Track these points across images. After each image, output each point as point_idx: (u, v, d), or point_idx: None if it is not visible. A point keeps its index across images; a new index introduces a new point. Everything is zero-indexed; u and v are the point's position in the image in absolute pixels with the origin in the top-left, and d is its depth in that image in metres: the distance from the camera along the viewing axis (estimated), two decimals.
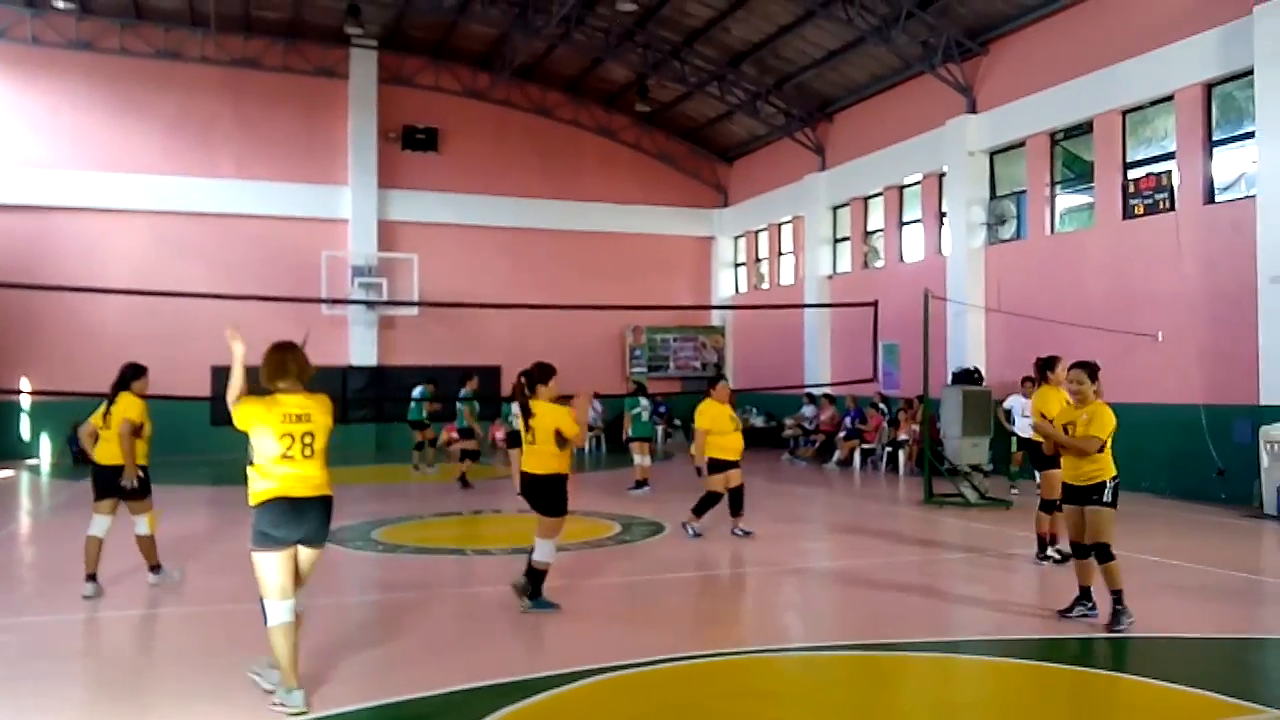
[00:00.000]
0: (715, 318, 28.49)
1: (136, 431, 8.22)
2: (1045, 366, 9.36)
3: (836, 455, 19.89)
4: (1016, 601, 8.23)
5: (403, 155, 25.31)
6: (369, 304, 23.54)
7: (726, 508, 11.42)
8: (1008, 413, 14.28)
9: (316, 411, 5.48)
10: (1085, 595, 7.26)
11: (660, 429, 25.58)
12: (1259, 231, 13.35)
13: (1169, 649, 6.83)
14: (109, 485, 8.23)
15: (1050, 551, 9.47)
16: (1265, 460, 12.59)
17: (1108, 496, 7.03)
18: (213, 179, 23.60)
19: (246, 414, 5.36)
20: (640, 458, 15.65)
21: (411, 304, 23.89)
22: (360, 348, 24.43)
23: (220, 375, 22.03)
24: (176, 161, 23.41)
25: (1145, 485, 14.37)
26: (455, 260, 25.24)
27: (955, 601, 8.51)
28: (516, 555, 10.19)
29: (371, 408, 24.13)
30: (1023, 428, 13.38)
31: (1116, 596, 6.98)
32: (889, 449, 18.87)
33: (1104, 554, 7.00)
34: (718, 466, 11.24)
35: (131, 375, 8.40)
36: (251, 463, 5.43)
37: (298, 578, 5.47)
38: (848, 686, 6.07)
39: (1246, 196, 13.89)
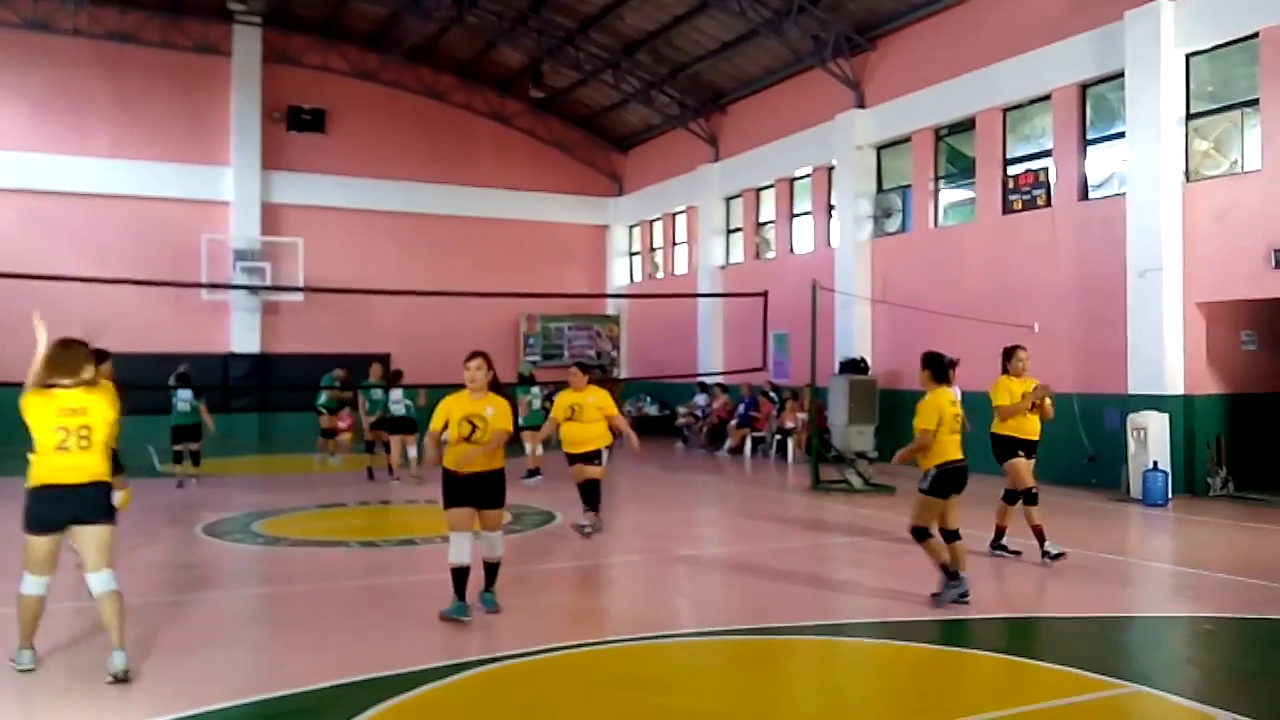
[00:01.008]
0: (610, 306, 28.48)
1: None
2: (1006, 357, 9.49)
3: (728, 443, 20.11)
4: (899, 586, 8.42)
5: (288, 136, 24.56)
6: (252, 289, 22.81)
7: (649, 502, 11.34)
8: None
9: (95, 406, 5.78)
10: (951, 575, 7.48)
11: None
12: (1128, 227, 13.94)
13: (1040, 628, 7.08)
14: None
15: (1004, 542, 9.34)
16: (1132, 447, 13.16)
17: (924, 484, 7.73)
18: (85, 157, 22.50)
19: (27, 406, 5.73)
20: (531, 446, 15.54)
21: (296, 289, 23.22)
22: (242, 334, 23.65)
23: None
24: (45, 139, 22.26)
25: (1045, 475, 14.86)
26: (343, 245, 24.63)
27: (840, 586, 8.67)
28: (404, 548, 10.02)
29: (255, 396, 23.38)
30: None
31: (943, 570, 7.45)
32: (778, 437, 19.15)
33: (917, 534, 7.71)
34: (569, 459, 10.64)
35: None
36: (32, 450, 5.70)
37: (92, 559, 5.75)
38: (733, 671, 6.11)
39: (1117, 194, 14.47)
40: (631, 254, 28.50)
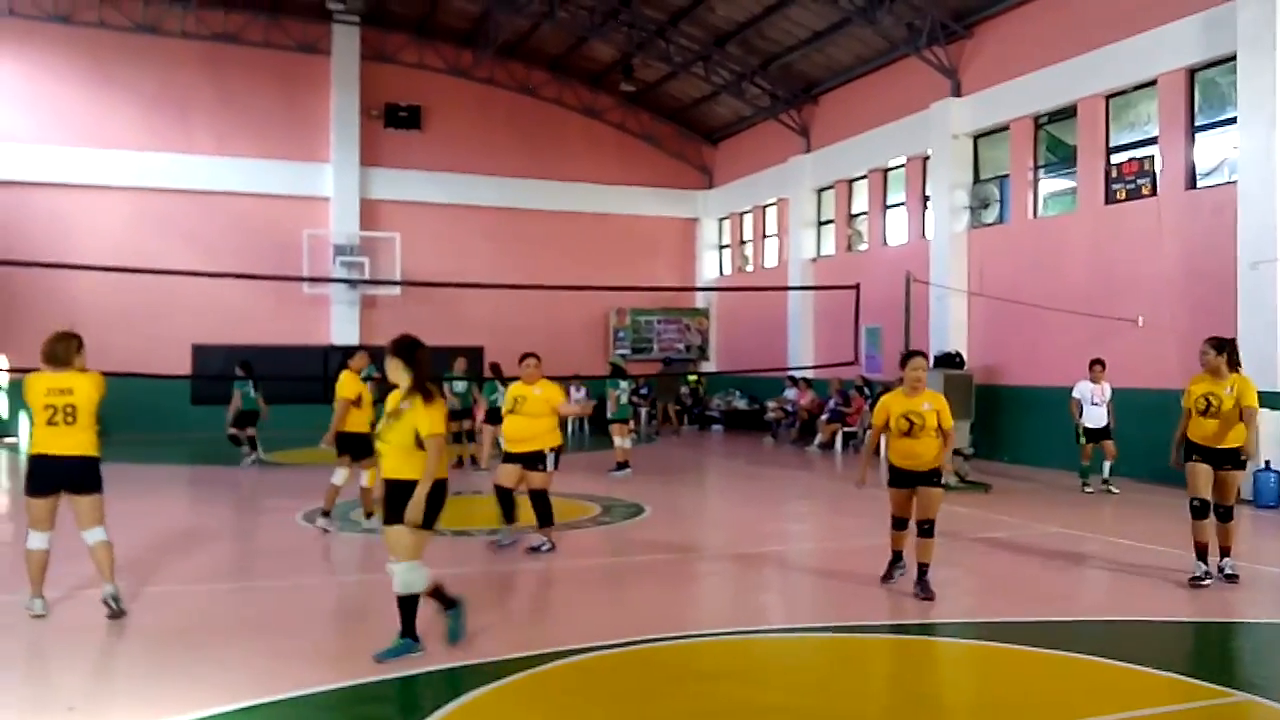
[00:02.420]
0: (699, 300, 28.45)
1: None
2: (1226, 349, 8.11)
3: (818, 438, 19.93)
4: (992, 585, 8.26)
5: (385, 133, 25.10)
6: (350, 283, 23.39)
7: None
8: (1076, 401, 13.52)
9: (81, 386, 6.63)
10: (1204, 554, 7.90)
11: (644, 411, 25.58)
12: (1239, 217, 13.38)
13: (1145, 633, 6.86)
14: None
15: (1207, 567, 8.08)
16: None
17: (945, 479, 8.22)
18: (192, 155, 23.36)
19: (26, 387, 6.67)
20: (620, 440, 15.66)
21: (394, 283, 23.75)
22: (342, 327, 24.29)
23: (200, 354, 22.13)
24: (155, 137, 23.17)
25: (1124, 470, 14.42)
26: (438, 239, 25.10)
27: (932, 584, 8.54)
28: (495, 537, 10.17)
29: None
30: (1091, 417, 13.34)
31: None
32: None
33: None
34: (505, 459, 9.44)
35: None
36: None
37: (83, 519, 6.68)
38: (823, 668, 6.07)
39: (1228, 182, 13.91)
40: (721, 247, 28.40)
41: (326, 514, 10.25)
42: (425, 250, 24.60)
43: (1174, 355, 14.13)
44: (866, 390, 19.62)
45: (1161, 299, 14.56)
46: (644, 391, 25.65)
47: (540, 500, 9.15)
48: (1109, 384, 13.52)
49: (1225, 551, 8.15)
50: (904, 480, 7.55)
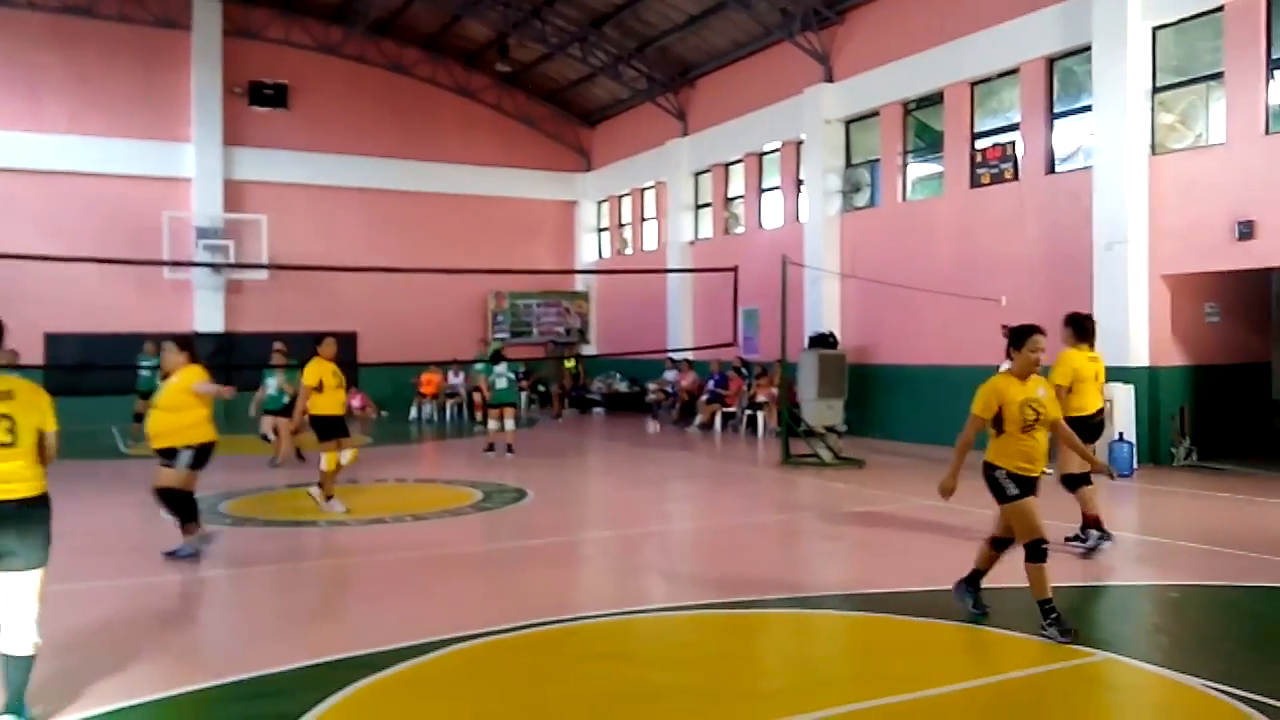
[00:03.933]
0: (579, 283, 28.37)
1: None
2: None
3: (698, 419, 20.14)
4: (869, 558, 8.48)
5: (250, 111, 24.19)
6: (215, 267, 22.51)
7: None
8: None
9: (20, 392, 4.60)
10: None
11: (524, 394, 25.44)
12: (1095, 200, 14.04)
13: (1012, 599, 7.14)
14: None
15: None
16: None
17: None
18: (42, 134, 22.04)
19: None
20: (497, 423, 15.61)
21: (261, 267, 22.93)
22: (206, 313, 23.34)
23: (53, 343, 20.97)
24: (0, 115, 21.81)
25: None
26: (308, 222, 24.33)
27: (811, 558, 8.73)
28: (373, 527, 9.96)
29: (219, 376, 23.02)
30: None
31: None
32: (749, 412, 19.21)
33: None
34: (324, 429, 10.41)
35: None
36: None
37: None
38: (709, 645, 6.12)
39: (1084, 167, 14.56)
40: (600, 230, 28.37)
41: (330, 497, 10.50)
42: (294, 233, 23.83)
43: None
44: (744, 371, 19.91)
45: (1023, 279, 15.18)
46: (525, 376, 25.52)
47: (171, 499, 8.17)
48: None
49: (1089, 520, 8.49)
50: (1030, 487, 5.99)
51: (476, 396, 20.85)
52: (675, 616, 6.63)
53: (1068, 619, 5.73)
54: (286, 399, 14.70)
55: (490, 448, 15.77)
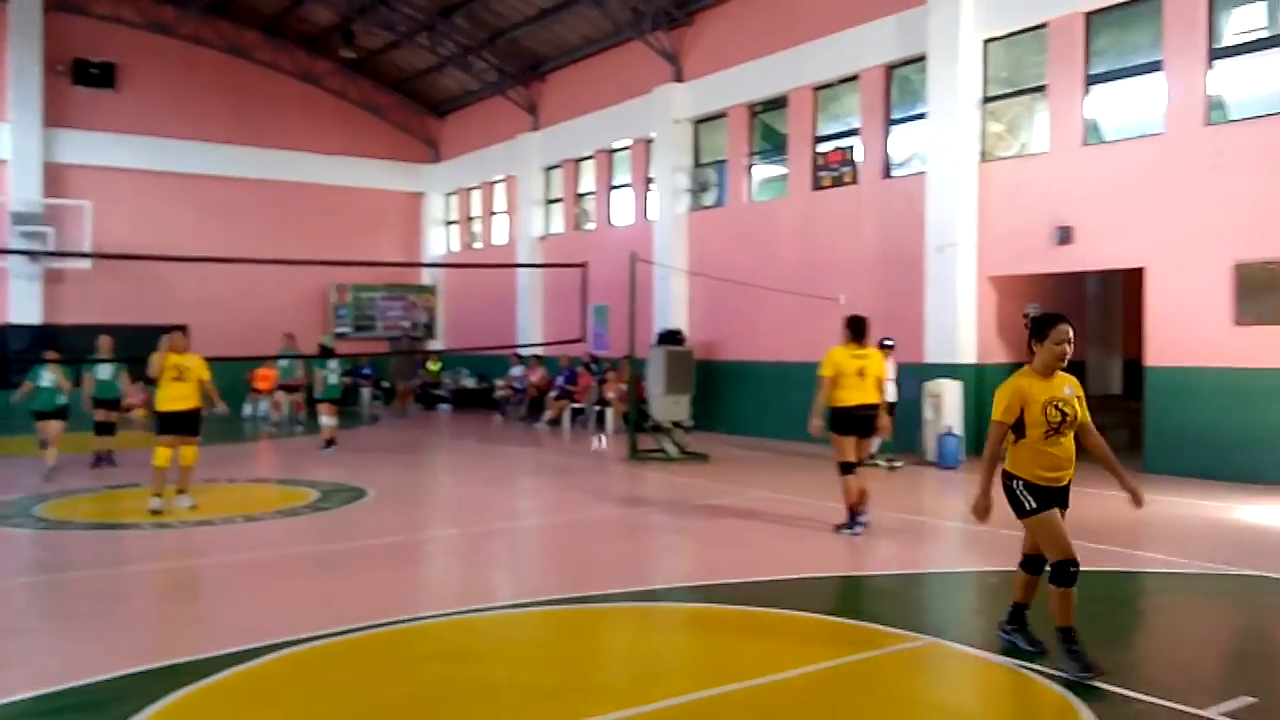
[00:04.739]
0: (426, 276, 27.87)
1: None
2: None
3: (547, 415, 20.07)
4: (712, 550, 8.60)
5: (74, 91, 22.81)
6: (31, 255, 21.09)
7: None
8: None
9: None
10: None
11: (367, 391, 24.86)
12: (928, 204, 14.65)
13: (845, 587, 7.37)
14: None
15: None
16: (928, 413, 13.89)
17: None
18: None
19: None
20: (327, 419, 15.35)
21: (83, 255, 21.63)
22: (21, 304, 21.88)
23: None
24: None
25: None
26: (136, 209, 23.09)
27: (656, 552, 8.80)
28: (202, 528, 9.50)
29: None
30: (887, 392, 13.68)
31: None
32: (598, 408, 19.26)
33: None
34: (164, 424, 10.18)
35: None
36: None
37: None
38: (549, 642, 6.08)
39: (918, 172, 15.17)
40: (449, 223, 27.93)
41: (158, 494, 9.98)
42: (121, 220, 22.57)
43: (873, 331, 15.24)
44: (594, 367, 19.95)
45: (861, 279, 15.71)
46: (367, 372, 24.91)
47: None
48: (894, 362, 14.06)
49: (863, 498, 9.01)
50: (1054, 499, 5.20)
51: (298, 395, 20.33)
52: (519, 614, 6.56)
53: (1088, 653, 4.99)
54: (119, 390, 13.93)
55: (328, 444, 15.40)
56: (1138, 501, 5.31)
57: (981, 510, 5.31)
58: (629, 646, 6.10)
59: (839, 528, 8.90)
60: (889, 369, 13.40)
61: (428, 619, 6.32)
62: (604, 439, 13.42)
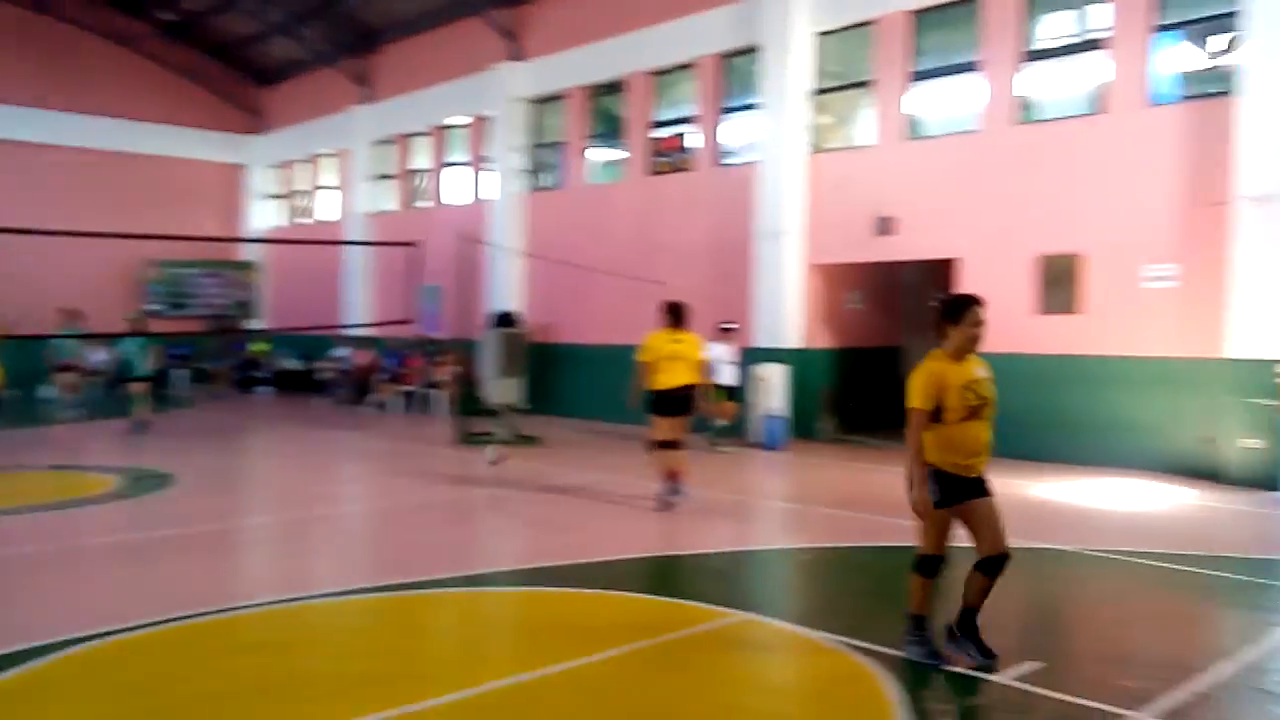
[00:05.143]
0: (247, 252, 26.65)
1: None
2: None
3: (374, 397, 19.55)
4: (541, 533, 8.55)
5: None
6: None
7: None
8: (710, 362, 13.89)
9: None
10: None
11: (180, 372, 23.65)
12: (758, 193, 14.96)
13: (666, 567, 7.45)
14: None
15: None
16: (755, 396, 14.20)
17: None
18: None
19: None
20: (138, 401, 14.53)
21: None
22: None
23: None
24: None
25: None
26: None
27: (484, 536, 8.69)
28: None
29: None
30: (724, 376, 13.45)
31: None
32: (429, 391, 18.88)
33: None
34: None
35: None
36: None
37: None
38: (371, 630, 5.90)
39: (750, 162, 15.46)
40: (273, 197, 26.79)
41: None
42: None
43: (702, 316, 15.47)
44: (427, 349, 19.53)
45: (694, 264, 15.92)
46: (181, 352, 23.68)
47: None
48: (737, 346, 14.04)
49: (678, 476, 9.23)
50: (963, 491, 4.90)
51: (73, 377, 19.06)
52: (339, 603, 6.34)
53: (937, 642, 4.92)
54: None
55: (138, 427, 14.56)
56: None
57: (922, 504, 4.86)
58: (451, 632, 5.98)
59: (659, 498, 9.06)
60: (731, 353, 13.72)
61: (242, 609, 6.02)
62: (493, 450, 12.29)
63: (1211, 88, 11.44)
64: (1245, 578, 7.06)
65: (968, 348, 4.96)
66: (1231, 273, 10.84)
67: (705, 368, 13.19)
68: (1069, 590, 6.92)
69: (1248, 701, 4.40)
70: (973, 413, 4.86)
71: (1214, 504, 9.62)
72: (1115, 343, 11.86)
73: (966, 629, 4.94)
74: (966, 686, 4.74)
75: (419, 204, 22.07)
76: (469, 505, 10.00)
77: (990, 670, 4.78)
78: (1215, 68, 11.54)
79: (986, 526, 4.86)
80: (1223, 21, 11.27)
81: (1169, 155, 11.53)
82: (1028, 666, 4.91)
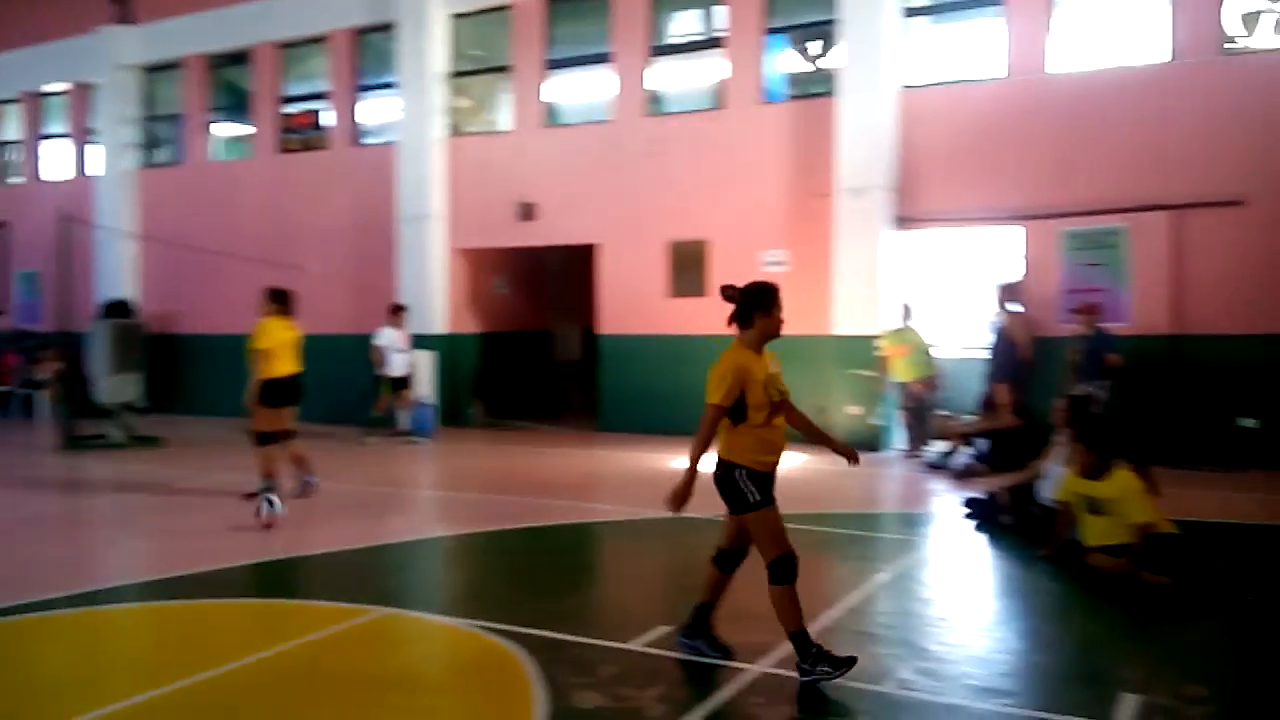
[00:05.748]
0: None
1: None
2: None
3: None
4: (163, 543, 7.84)
5: None
6: None
7: None
8: (381, 349, 12.99)
9: None
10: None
11: None
12: (399, 175, 14.60)
13: (302, 568, 7.05)
14: None
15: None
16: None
17: None
18: None
19: None
20: None
21: None
22: None
23: None
24: None
25: (304, 414, 14.83)
26: None
27: (99, 549, 7.84)
28: None
29: None
30: (397, 365, 12.88)
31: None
32: (29, 391, 16.76)
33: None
34: None
35: None
36: None
37: None
38: None
39: (390, 143, 15.04)
40: None
41: None
42: None
43: (343, 301, 14.94)
44: (26, 343, 17.32)
45: (334, 247, 15.29)
46: None
47: None
48: (406, 332, 13.33)
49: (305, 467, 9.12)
50: (771, 487, 4.65)
51: None
52: None
53: (831, 647, 4.55)
54: None
55: None
56: (854, 459, 5.10)
57: (682, 500, 4.55)
58: (63, 657, 5.28)
59: (251, 497, 8.35)
60: (402, 340, 13.21)
61: None
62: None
63: (815, 89, 12.58)
64: (849, 531, 7.83)
65: (773, 338, 4.65)
66: (835, 258, 12.00)
67: (378, 357, 12.89)
68: (698, 556, 7.32)
69: (851, 644, 4.82)
70: (775, 409, 4.58)
71: (822, 466, 10.58)
72: None
73: (701, 624, 4.88)
74: (599, 657, 4.85)
75: (10, 180, 19.49)
76: (82, 516, 9.01)
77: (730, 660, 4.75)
78: (817, 70, 12.70)
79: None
80: (822, 28, 12.41)
81: (780, 150, 12.55)
82: (657, 632, 5.12)
